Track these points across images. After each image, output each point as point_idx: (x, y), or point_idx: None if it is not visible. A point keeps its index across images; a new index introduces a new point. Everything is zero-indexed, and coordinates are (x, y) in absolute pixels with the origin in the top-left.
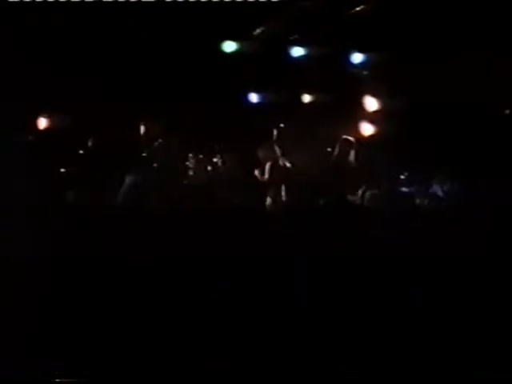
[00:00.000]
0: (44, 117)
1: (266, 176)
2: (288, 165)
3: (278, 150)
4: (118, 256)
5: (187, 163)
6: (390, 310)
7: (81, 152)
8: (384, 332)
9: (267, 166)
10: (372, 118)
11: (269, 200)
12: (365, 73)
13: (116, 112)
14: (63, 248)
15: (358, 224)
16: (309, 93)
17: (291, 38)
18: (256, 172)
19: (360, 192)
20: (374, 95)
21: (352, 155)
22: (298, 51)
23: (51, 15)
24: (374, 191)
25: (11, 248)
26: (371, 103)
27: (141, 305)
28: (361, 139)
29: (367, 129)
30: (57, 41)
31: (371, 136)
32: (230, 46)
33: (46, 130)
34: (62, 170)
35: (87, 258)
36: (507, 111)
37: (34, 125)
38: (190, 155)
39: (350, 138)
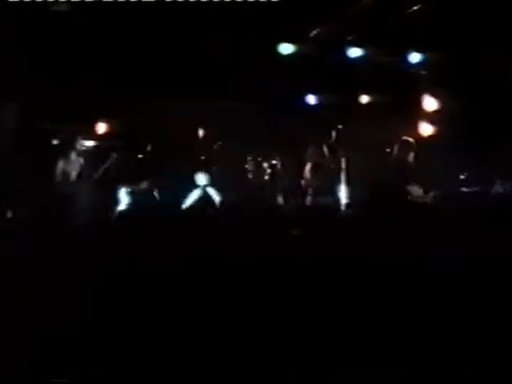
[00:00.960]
0: (106, 121)
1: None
2: (343, 166)
3: (326, 150)
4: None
5: (246, 166)
6: (460, 311)
7: (140, 156)
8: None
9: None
10: (431, 118)
11: (326, 201)
12: (423, 73)
13: (176, 115)
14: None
15: (418, 224)
16: (367, 94)
17: (349, 38)
18: (307, 173)
19: (420, 193)
20: (433, 95)
21: (411, 156)
22: (355, 52)
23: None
24: (434, 192)
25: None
26: (430, 103)
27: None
28: (420, 140)
29: (426, 129)
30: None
31: (431, 136)
32: (287, 48)
33: (109, 133)
34: (125, 172)
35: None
36: None
37: (98, 129)
38: (249, 158)
39: (410, 139)
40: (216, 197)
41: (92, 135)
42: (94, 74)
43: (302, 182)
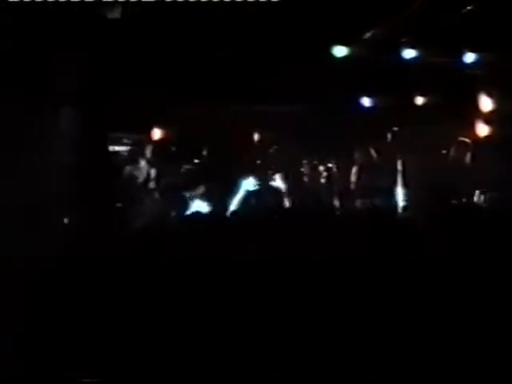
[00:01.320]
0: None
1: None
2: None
3: (378, 153)
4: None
5: (302, 169)
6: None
7: (196, 161)
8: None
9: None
10: (487, 118)
11: (383, 203)
12: (479, 73)
13: (231, 119)
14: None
15: (476, 227)
16: (422, 95)
17: (403, 40)
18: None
19: (477, 194)
20: (488, 95)
21: (468, 157)
22: (409, 53)
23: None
24: (491, 193)
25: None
26: (486, 104)
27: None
28: (477, 141)
29: (483, 130)
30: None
31: (487, 137)
32: (341, 51)
33: (165, 139)
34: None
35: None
36: None
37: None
38: (305, 161)
39: (466, 140)
40: (272, 200)
41: (149, 141)
42: (153, 81)
43: (357, 184)
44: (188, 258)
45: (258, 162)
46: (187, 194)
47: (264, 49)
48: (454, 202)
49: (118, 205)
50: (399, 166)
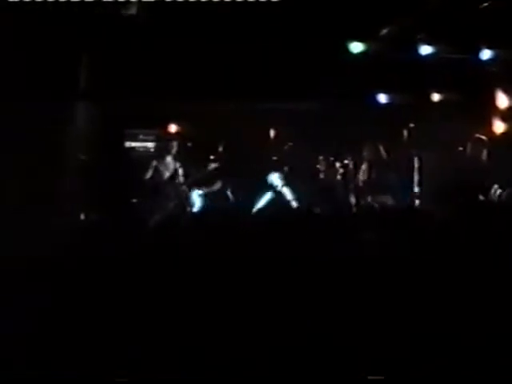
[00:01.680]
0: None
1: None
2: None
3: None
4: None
5: (318, 166)
6: None
7: (212, 157)
8: None
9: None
10: (504, 115)
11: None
12: (495, 70)
13: (247, 116)
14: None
15: (492, 223)
16: (438, 92)
17: (419, 36)
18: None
19: (494, 190)
20: (505, 92)
21: (484, 154)
22: (426, 50)
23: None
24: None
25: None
26: (502, 100)
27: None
28: (493, 137)
29: (499, 127)
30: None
31: (504, 134)
32: (357, 47)
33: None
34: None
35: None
36: None
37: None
38: (321, 158)
39: (483, 137)
40: (289, 197)
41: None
42: (168, 76)
43: (372, 181)
44: (198, 256)
45: (275, 158)
46: (204, 190)
47: (280, 46)
48: (469, 198)
49: (136, 200)
50: (416, 163)
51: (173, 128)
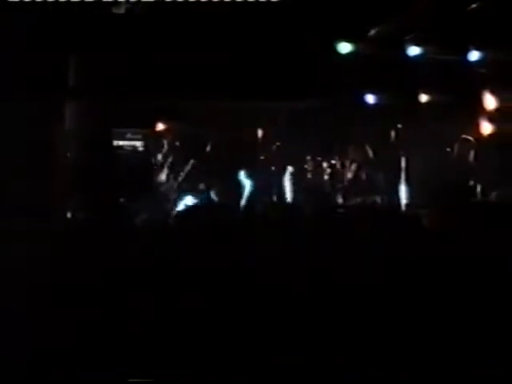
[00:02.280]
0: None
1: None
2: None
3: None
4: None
5: (305, 166)
6: None
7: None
8: None
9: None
10: (491, 116)
11: (386, 200)
12: (483, 71)
13: (234, 115)
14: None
15: (478, 224)
16: (426, 92)
17: (407, 37)
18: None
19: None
20: (492, 93)
21: (471, 155)
22: (414, 50)
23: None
24: (495, 191)
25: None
26: (490, 102)
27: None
28: (480, 139)
29: (486, 128)
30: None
31: (491, 135)
32: (345, 47)
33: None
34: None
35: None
36: None
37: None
38: (308, 158)
39: (470, 138)
40: (275, 197)
41: (153, 136)
42: (157, 76)
43: (360, 181)
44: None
45: (262, 157)
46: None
47: (268, 45)
48: (457, 199)
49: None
50: (403, 164)
51: (162, 127)
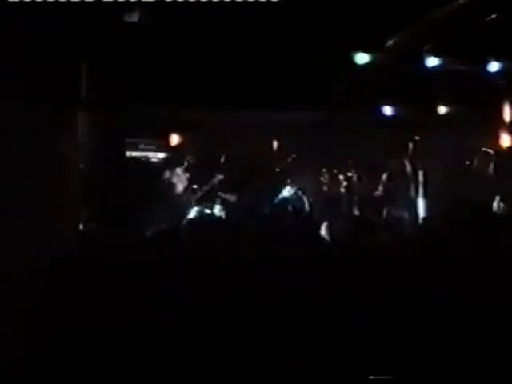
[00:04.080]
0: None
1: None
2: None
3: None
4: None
5: (321, 178)
6: None
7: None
8: None
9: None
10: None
11: (404, 214)
12: (503, 82)
13: (248, 128)
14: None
15: (498, 238)
16: (445, 104)
17: (426, 47)
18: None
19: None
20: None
21: (491, 167)
22: (432, 61)
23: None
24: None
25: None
26: (510, 114)
27: None
28: (500, 151)
29: (506, 140)
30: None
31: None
32: (362, 58)
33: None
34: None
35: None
36: None
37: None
38: (324, 170)
39: (489, 150)
40: (292, 208)
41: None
42: (171, 85)
43: (378, 194)
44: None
45: (278, 169)
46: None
47: (284, 56)
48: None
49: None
50: (421, 177)
51: (180, 139)
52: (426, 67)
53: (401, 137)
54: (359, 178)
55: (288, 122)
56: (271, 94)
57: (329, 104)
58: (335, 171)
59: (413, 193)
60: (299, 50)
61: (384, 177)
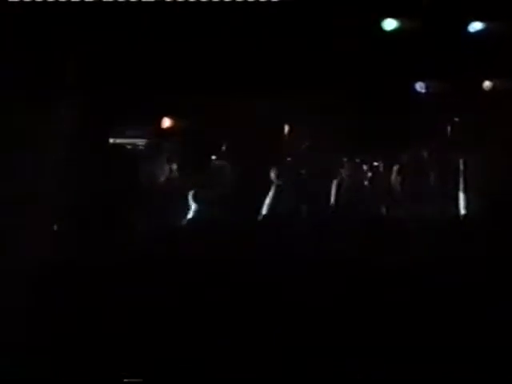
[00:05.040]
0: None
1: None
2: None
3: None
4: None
5: (341, 169)
6: None
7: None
8: None
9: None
10: None
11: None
12: None
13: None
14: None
15: None
16: (490, 78)
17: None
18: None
19: None
20: None
21: None
22: (476, 26)
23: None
24: None
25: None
26: None
27: None
28: None
29: None
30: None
31: None
32: (390, 24)
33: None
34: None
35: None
36: None
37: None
38: (345, 159)
39: None
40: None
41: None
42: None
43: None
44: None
45: (289, 159)
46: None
47: (295, 31)
48: None
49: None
50: (461, 166)
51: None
52: (467, 34)
53: (436, 118)
54: (386, 168)
55: (303, 105)
56: (280, 70)
57: (349, 81)
58: (358, 161)
59: (451, 186)
60: (312, 17)
61: (414, 167)
